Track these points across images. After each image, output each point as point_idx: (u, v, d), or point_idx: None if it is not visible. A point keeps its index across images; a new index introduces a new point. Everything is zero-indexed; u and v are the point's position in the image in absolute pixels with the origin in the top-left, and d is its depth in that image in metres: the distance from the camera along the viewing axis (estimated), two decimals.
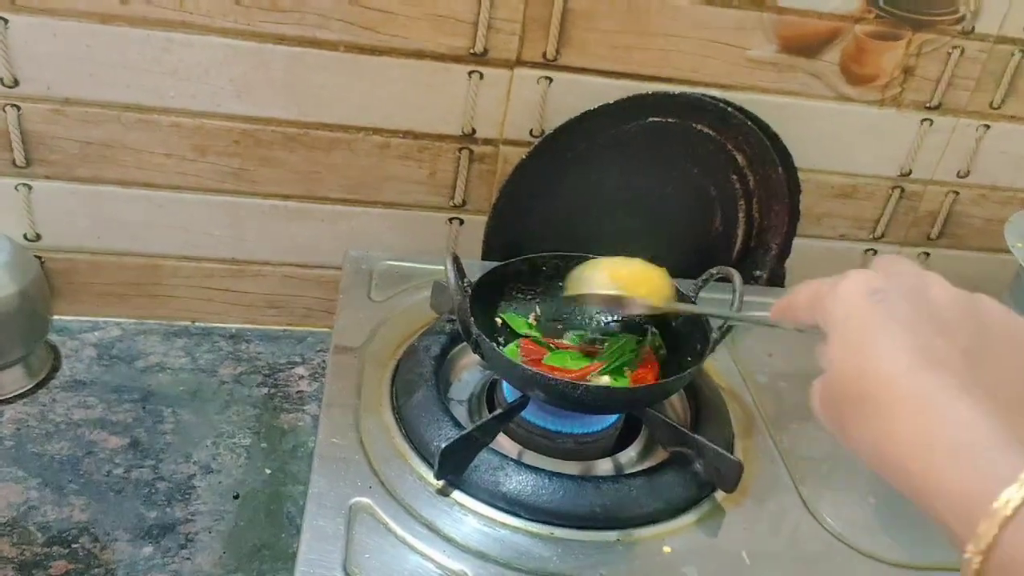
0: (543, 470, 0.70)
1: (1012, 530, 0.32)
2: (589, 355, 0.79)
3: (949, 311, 0.37)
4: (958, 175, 1.10)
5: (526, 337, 0.81)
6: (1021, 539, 0.31)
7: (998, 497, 0.32)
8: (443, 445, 0.66)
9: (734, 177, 1.03)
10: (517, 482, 0.68)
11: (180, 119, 0.92)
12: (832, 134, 1.04)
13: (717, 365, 0.89)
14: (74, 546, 0.78)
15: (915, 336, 0.36)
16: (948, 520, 0.34)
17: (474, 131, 0.98)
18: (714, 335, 0.74)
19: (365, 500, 0.67)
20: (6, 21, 0.84)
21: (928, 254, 1.16)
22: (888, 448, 0.36)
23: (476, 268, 0.81)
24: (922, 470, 0.35)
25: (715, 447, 0.70)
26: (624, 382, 0.75)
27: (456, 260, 0.74)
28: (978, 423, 0.34)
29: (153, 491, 0.84)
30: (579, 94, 0.95)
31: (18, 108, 0.89)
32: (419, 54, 0.92)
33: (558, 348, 0.80)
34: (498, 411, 0.73)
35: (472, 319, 0.72)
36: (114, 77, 0.89)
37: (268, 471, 0.89)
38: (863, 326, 0.38)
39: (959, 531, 0.33)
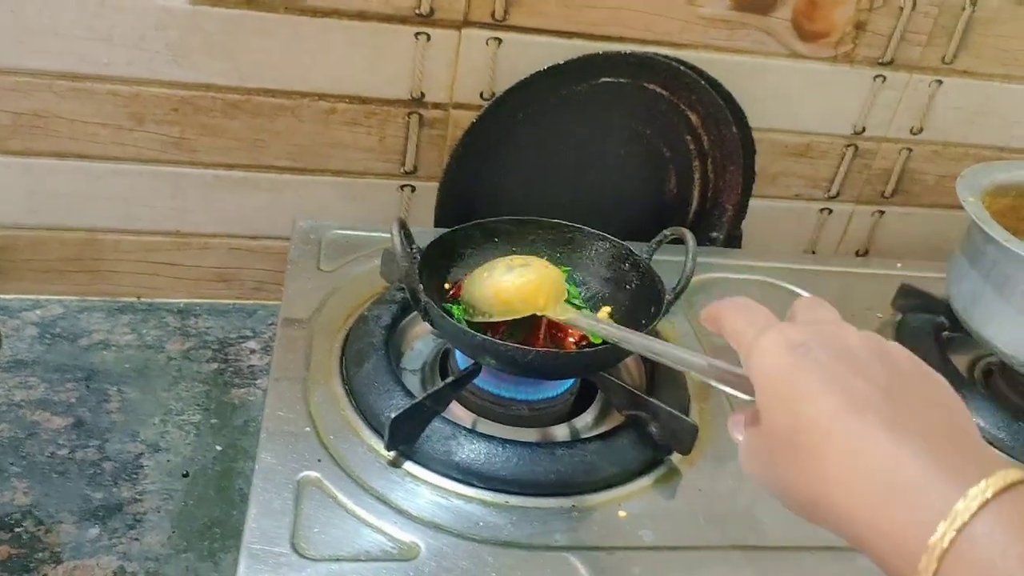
0: (496, 438, 0.68)
1: (951, 562, 0.32)
2: None
3: (864, 353, 0.39)
4: (911, 132, 1.10)
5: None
6: (960, 571, 0.32)
7: (934, 531, 0.33)
8: (393, 415, 0.65)
9: (688, 137, 1.02)
10: (470, 451, 0.67)
11: (116, 87, 0.89)
12: (785, 92, 1.03)
13: (673, 327, 0.89)
14: (17, 530, 0.76)
15: (838, 381, 0.38)
16: (893, 560, 0.35)
17: (423, 95, 0.95)
18: (668, 296, 0.74)
19: (314, 474, 0.65)
20: None
21: (883, 212, 1.16)
22: (825, 494, 0.37)
23: (429, 236, 0.78)
24: (860, 512, 0.36)
25: (670, 410, 0.70)
26: None
27: (403, 226, 0.72)
28: (906, 459, 0.35)
29: (99, 471, 0.82)
30: (529, 55, 0.93)
31: None
32: (363, 15, 0.89)
33: None
34: (450, 379, 0.71)
35: (420, 286, 0.70)
36: (44, 44, 0.85)
37: (219, 448, 0.87)
38: (789, 378, 0.39)
39: (904, 570, 0.34)
